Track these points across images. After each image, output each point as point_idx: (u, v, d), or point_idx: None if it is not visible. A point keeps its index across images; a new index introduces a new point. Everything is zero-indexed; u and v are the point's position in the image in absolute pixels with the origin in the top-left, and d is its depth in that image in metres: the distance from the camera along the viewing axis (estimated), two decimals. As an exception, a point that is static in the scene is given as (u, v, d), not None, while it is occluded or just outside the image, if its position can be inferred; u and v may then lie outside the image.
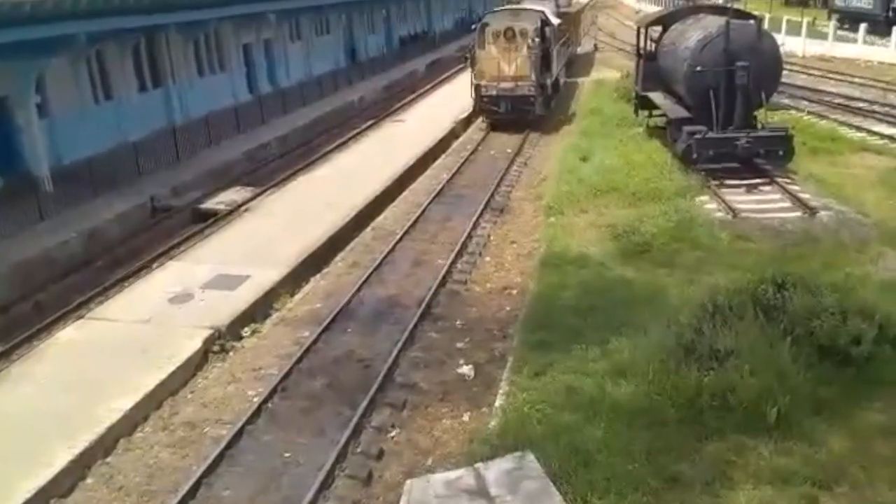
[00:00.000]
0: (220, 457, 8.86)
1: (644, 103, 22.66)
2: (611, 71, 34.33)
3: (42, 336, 12.13)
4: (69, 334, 12.05)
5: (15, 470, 8.47)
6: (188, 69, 26.62)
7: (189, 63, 26.72)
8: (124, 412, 9.60)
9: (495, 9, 29.32)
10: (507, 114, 24.93)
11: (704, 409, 8.19)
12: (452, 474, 7.58)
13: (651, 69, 21.81)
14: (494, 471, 7.38)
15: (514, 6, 28.43)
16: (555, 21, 27.65)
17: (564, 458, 7.61)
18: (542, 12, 26.47)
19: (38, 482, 8.32)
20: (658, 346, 9.24)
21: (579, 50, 43.05)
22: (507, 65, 24.65)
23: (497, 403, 9.26)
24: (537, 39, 24.61)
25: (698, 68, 17.31)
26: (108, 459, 9.09)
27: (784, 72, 19.52)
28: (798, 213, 14.93)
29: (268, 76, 32.33)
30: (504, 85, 24.75)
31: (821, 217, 14.61)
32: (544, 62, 25.44)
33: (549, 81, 25.80)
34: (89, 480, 8.75)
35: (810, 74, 33.22)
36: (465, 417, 9.56)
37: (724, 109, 17.07)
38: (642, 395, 8.56)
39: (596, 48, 46.41)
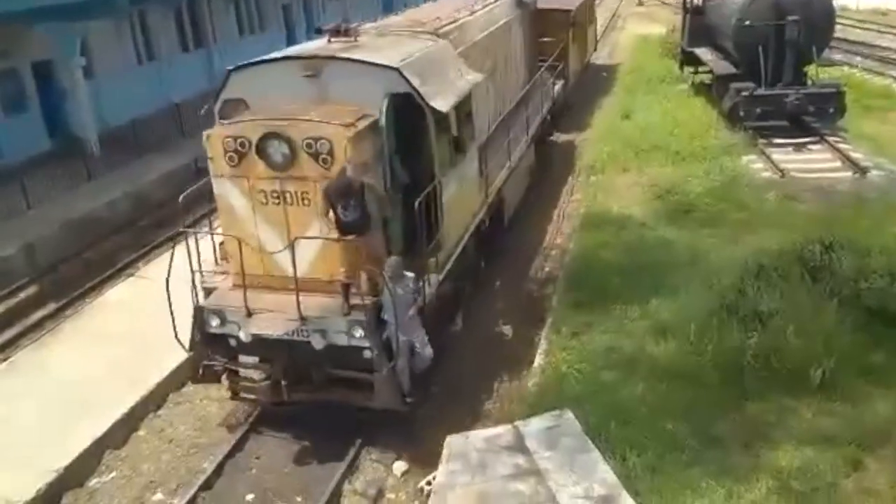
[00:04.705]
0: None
1: (689, 59, 22.07)
2: (656, 25, 33.42)
3: (93, 294, 12.54)
4: (119, 292, 12.42)
5: (71, 422, 8.82)
6: (229, 30, 26.72)
7: (230, 24, 26.82)
8: (173, 367, 9.90)
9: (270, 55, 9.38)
10: (279, 394, 8.16)
11: (746, 371, 8.11)
12: (491, 431, 7.67)
13: (698, 24, 21.21)
14: (533, 428, 7.43)
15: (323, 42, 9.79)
16: (471, 76, 9.72)
17: (603, 416, 7.63)
18: (398, 71, 8.01)
19: (93, 433, 8.66)
20: (700, 307, 9.16)
21: (597, 58, 27.63)
22: (280, 243, 7.93)
23: (536, 362, 9.30)
24: (374, 165, 8.05)
25: (747, 22, 16.78)
26: (160, 412, 9.42)
27: (837, 26, 18.80)
28: (848, 173, 14.52)
29: (307, 37, 32.25)
30: (267, 315, 7.91)
31: (872, 177, 14.18)
32: (409, 228, 8.26)
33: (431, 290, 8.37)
34: (142, 432, 9.08)
35: (865, 29, 31.90)
36: (504, 376, 9.63)
37: (773, 65, 16.56)
38: (683, 356, 8.51)
39: (641, 3, 45.21)
